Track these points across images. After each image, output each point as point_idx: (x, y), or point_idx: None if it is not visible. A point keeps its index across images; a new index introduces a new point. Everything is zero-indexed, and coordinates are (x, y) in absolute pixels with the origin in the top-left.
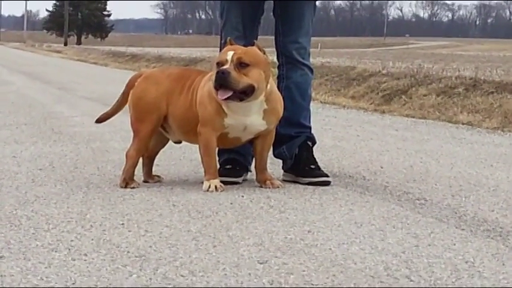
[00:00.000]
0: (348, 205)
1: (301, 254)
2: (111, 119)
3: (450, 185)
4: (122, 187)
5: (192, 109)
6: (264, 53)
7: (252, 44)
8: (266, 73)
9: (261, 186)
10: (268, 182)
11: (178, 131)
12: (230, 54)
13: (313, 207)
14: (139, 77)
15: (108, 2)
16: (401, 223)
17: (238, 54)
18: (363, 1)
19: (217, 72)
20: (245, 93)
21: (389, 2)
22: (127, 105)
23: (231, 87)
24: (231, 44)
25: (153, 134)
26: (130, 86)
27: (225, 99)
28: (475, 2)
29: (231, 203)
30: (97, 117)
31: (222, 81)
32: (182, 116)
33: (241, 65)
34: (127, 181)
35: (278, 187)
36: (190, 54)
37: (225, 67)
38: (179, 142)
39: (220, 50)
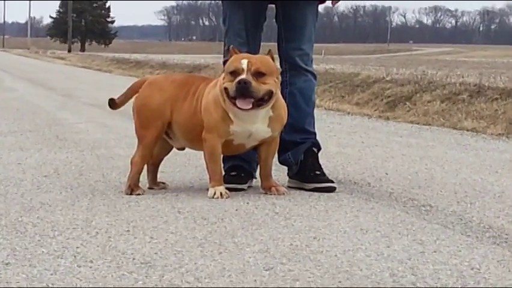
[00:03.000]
0: (353, 212)
1: (307, 260)
2: (115, 126)
3: (455, 192)
4: (127, 194)
5: (196, 116)
6: (273, 59)
7: (268, 52)
8: (277, 81)
9: (266, 193)
10: (273, 188)
11: (182, 137)
12: (244, 62)
13: (318, 213)
14: (143, 83)
15: (111, 8)
16: (407, 229)
17: (255, 63)
18: (366, 8)
19: (238, 82)
20: (263, 100)
21: (392, 8)
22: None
23: (252, 96)
24: (235, 53)
25: (158, 140)
26: (132, 90)
27: (248, 109)
28: (479, 8)
29: (236, 210)
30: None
31: (244, 91)
32: (186, 122)
33: (258, 74)
34: (132, 188)
35: (283, 194)
36: (194, 61)
37: (243, 77)
38: (183, 149)
39: (224, 56)
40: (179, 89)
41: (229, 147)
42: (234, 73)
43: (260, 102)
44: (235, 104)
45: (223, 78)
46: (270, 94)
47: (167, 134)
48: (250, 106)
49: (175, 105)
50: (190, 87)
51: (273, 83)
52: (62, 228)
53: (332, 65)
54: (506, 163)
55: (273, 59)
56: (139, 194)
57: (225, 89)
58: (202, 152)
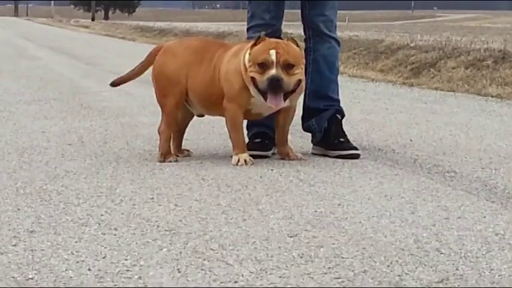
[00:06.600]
0: (377, 178)
1: (331, 227)
2: (139, 94)
3: (480, 158)
4: (160, 161)
5: (213, 84)
6: (298, 46)
7: (279, 35)
8: (303, 68)
9: (283, 159)
10: (291, 154)
11: (198, 105)
12: (273, 54)
13: (343, 180)
14: (160, 50)
15: None
16: (431, 196)
17: (283, 54)
18: None
19: (270, 80)
20: (293, 91)
21: None
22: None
23: (283, 91)
24: (264, 40)
25: (179, 106)
26: (150, 57)
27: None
28: None
29: (261, 177)
30: (112, 81)
31: (276, 88)
32: (202, 90)
33: (287, 66)
34: (165, 155)
35: (300, 159)
36: (218, 29)
37: (274, 73)
38: (202, 115)
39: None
40: (194, 55)
41: (247, 114)
42: (263, 65)
43: (289, 93)
44: (264, 98)
45: (250, 65)
46: (298, 83)
47: (186, 100)
48: (283, 103)
49: (190, 71)
50: (205, 53)
51: (300, 72)
52: (86, 196)
53: (356, 31)
54: None
55: (297, 44)
56: (171, 161)
57: (253, 78)
58: (224, 118)
